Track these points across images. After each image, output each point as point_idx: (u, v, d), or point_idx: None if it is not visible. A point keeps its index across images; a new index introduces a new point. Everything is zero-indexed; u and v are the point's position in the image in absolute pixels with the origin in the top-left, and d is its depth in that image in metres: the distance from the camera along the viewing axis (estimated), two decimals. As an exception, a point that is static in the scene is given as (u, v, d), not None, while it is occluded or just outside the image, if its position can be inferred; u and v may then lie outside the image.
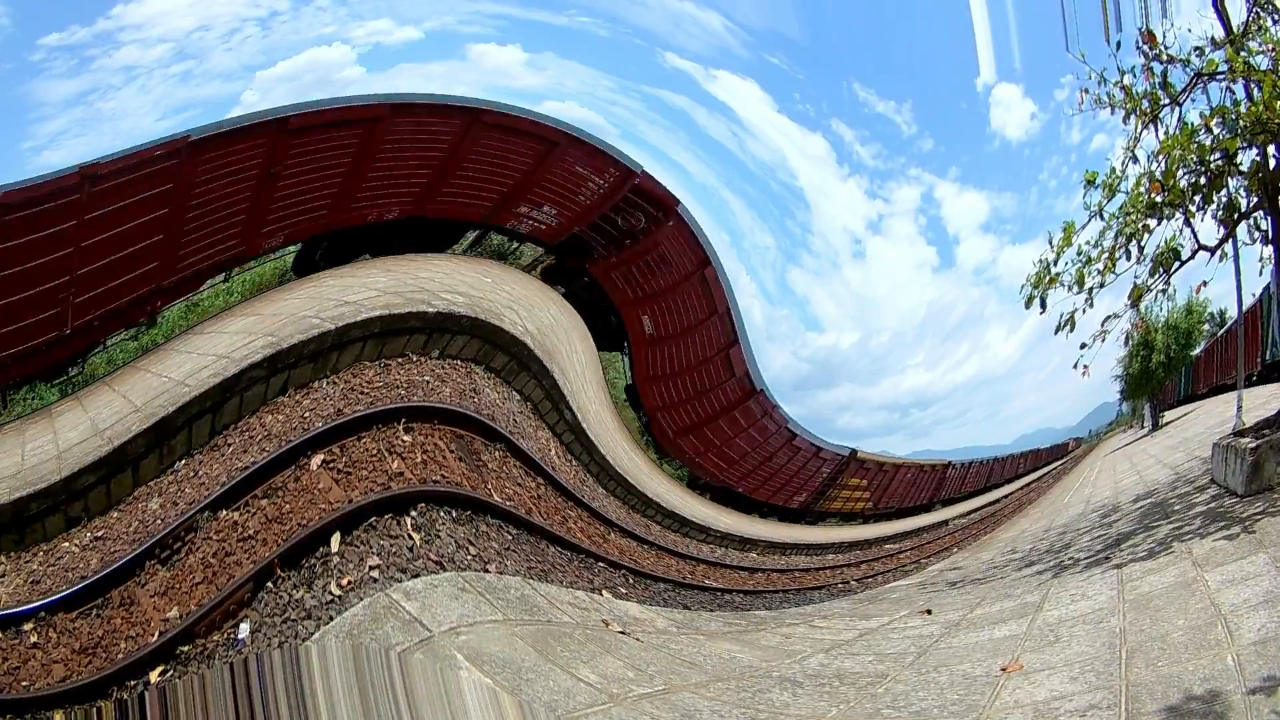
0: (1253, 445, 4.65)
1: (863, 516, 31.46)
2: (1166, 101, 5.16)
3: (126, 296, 11.40)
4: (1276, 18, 4.77)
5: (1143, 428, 22.90)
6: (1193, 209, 5.12)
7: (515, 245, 18.21)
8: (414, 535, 6.52)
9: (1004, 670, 2.98)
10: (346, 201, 13.42)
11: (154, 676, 5.26)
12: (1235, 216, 5.15)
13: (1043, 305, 5.32)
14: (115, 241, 10.43)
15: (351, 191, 13.29)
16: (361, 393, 9.31)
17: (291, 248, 14.07)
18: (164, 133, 11.82)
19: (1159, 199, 4.97)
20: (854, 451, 28.89)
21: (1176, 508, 5.72)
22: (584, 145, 14.99)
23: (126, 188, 10.04)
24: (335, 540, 6.18)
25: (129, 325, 12.15)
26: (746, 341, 21.41)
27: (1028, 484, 34.35)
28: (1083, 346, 5.38)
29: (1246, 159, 4.92)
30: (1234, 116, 4.69)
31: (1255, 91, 4.64)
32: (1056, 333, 5.33)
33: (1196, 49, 5.06)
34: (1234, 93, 4.92)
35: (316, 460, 7.47)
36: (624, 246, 18.18)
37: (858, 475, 30.18)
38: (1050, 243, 5.30)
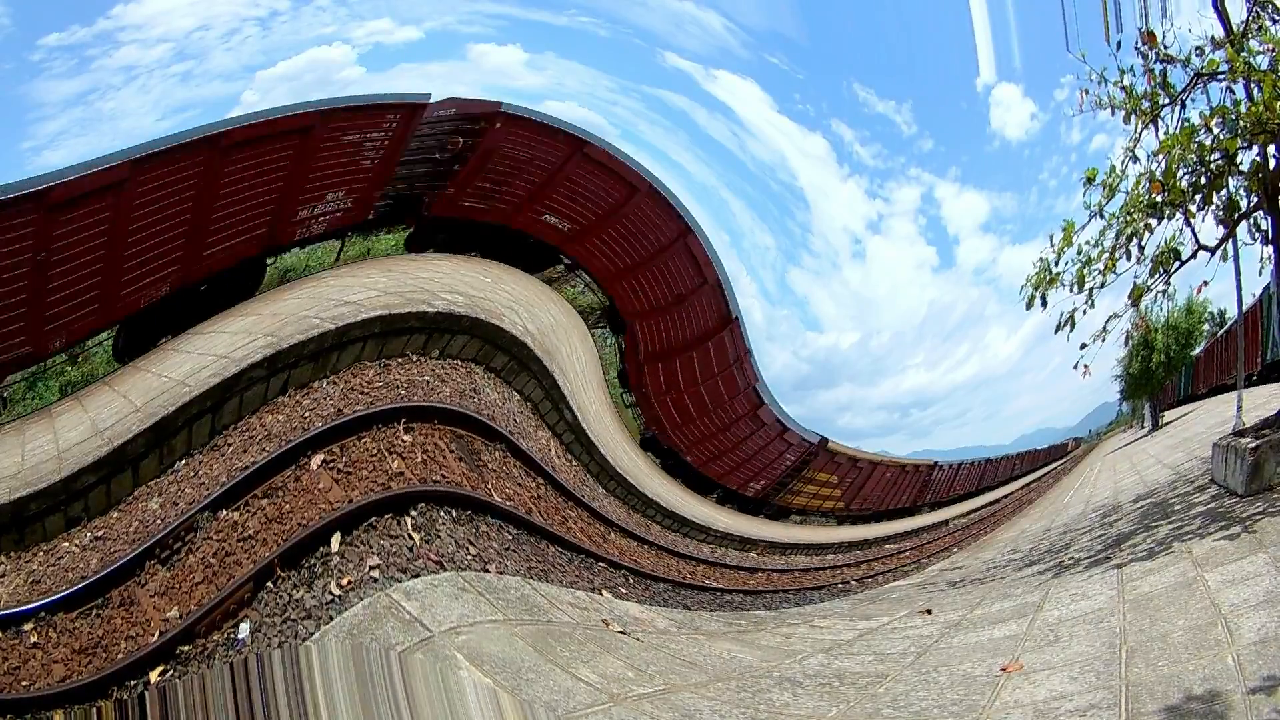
0: (1253, 445, 4.66)
1: (836, 517, 29.02)
2: (1167, 101, 5.16)
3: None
4: (1276, 18, 4.77)
5: (1143, 428, 22.91)
6: (1193, 209, 5.13)
7: (324, 245, 15.80)
8: (414, 535, 6.52)
9: (1004, 670, 2.98)
10: (113, 288, 11.15)
11: (154, 676, 5.26)
12: (1235, 216, 5.16)
13: (1043, 305, 5.33)
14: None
15: (115, 275, 11.05)
16: (361, 392, 9.31)
17: (87, 343, 11.81)
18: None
19: (1159, 199, 4.98)
20: (824, 440, 26.06)
21: (1176, 508, 5.72)
22: (340, 112, 12.87)
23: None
24: (335, 540, 6.18)
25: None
26: (702, 232, 19.35)
27: (1024, 486, 33.39)
28: (1083, 347, 5.39)
29: (1246, 159, 4.93)
30: (1234, 116, 4.70)
31: (1255, 91, 4.64)
32: (1057, 332, 5.34)
33: (1196, 49, 5.06)
34: (1234, 93, 4.92)
35: (316, 460, 7.47)
36: (455, 173, 16.08)
37: (827, 469, 27.26)
38: (1051, 242, 5.31)
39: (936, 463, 36.58)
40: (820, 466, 26.88)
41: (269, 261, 13.88)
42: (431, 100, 14.13)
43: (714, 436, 22.53)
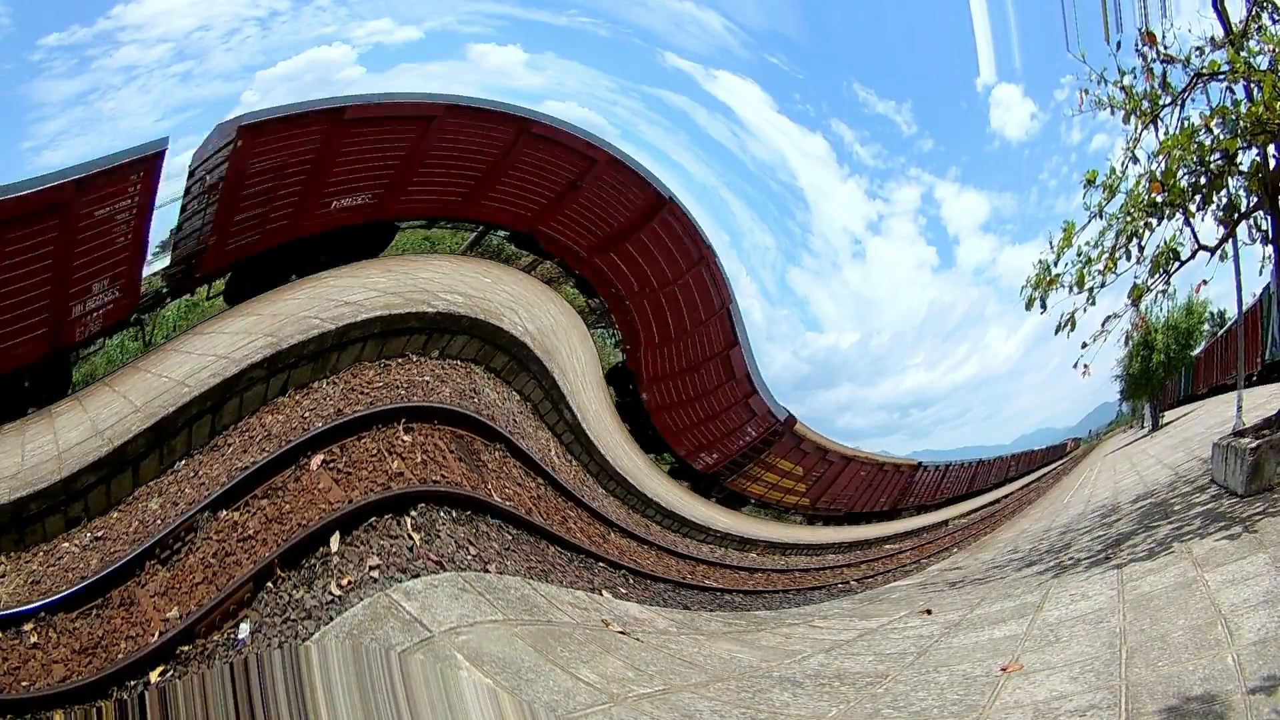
0: (1253, 445, 4.66)
1: (801, 514, 26.34)
2: (1167, 101, 5.16)
3: None
4: (1276, 18, 4.77)
5: (1143, 428, 22.92)
6: (1193, 209, 5.13)
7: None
8: (414, 535, 6.52)
9: (1004, 670, 2.98)
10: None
11: (154, 676, 5.26)
12: (1235, 216, 5.17)
13: (1043, 306, 5.33)
14: None
15: None
16: (361, 393, 9.31)
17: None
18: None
19: (1159, 199, 4.98)
20: (791, 419, 23.23)
21: (1176, 508, 5.72)
22: (91, 181, 10.60)
23: None
24: (335, 540, 6.17)
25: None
26: (551, 117, 17.13)
27: (1022, 487, 32.41)
28: (1083, 346, 5.39)
29: (1246, 159, 4.93)
30: (1234, 117, 4.70)
31: (1255, 91, 4.65)
32: (1057, 333, 5.34)
33: (1196, 49, 5.07)
34: (1234, 93, 4.93)
35: (316, 460, 7.47)
36: (213, 216, 13.58)
37: (790, 456, 24.38)
38: (1050, 243, 5.32)
39: (921, 463, 34.31)
40: (783, 452, 24.13)
41: (71, 359, 12.20)
42: (167, 147, 11.84)
43: (678, 376, 20.52)
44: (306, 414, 8.65)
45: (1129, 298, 5.35)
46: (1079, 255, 5.29)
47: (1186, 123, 5.03)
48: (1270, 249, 5.16)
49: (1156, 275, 5.28)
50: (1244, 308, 7.39)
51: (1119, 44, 5.36)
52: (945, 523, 26.98)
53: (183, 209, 13.56)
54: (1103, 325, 5.40)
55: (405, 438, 8.32)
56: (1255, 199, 5.03)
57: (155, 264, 14.02)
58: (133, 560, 6.45)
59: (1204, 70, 5.01)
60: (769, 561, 17.03)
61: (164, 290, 14.16)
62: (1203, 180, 4.98)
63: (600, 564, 8.93)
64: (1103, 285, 5.27)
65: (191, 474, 7.98)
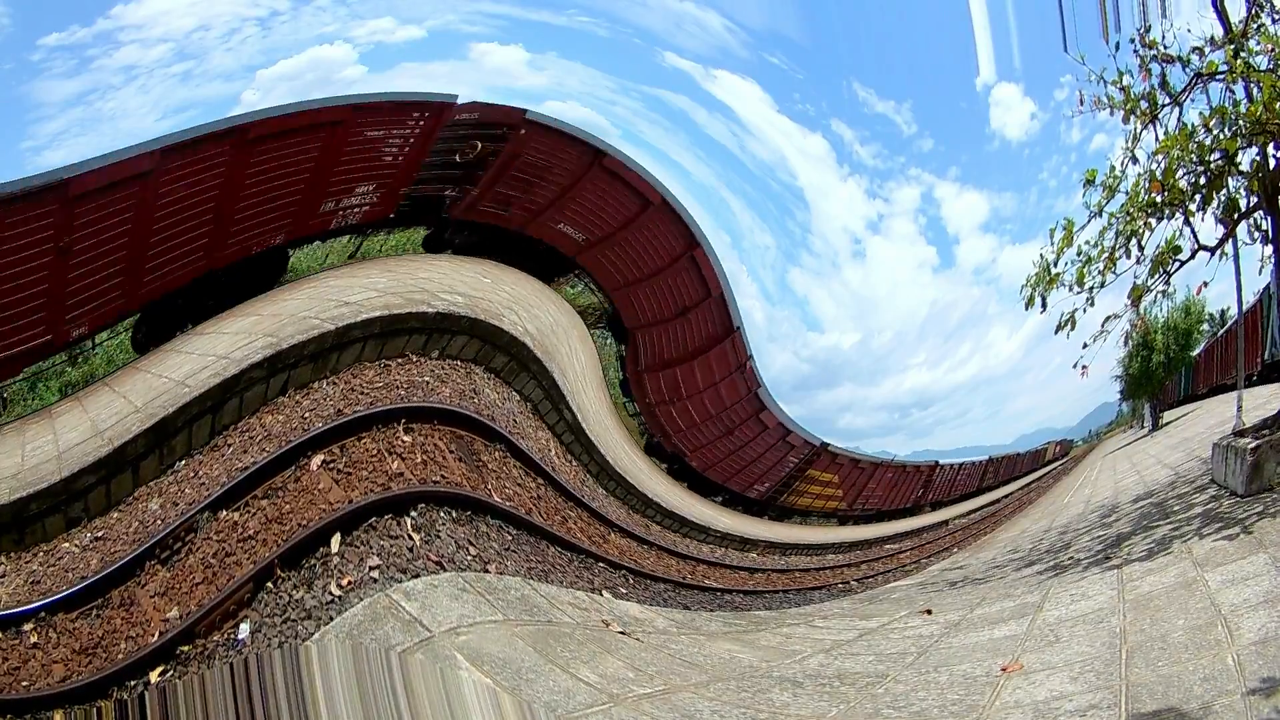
0: (1253, 445, 4.66)
1: (839, 517, 29.21)
2: (1166, 101, 5.16)
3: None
4: (1276, 18, 4.77)
5: (1143, 428, 22.93)
6: (1193, 209, 5.13)
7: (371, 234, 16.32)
8: (414, 535, 6.52)
9: (1004, 670, 2.98)
10: (139, 274, 11.26)
11: (154, 676, 5.26)
12: (1235, 216, 5.16)
13: (1043, 305, 5.34)
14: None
15: (140, 261, 11.19)
16: (361, 393, 9.31)
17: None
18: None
19: (1159, 199, 4.98)
20: (825, 445, 26.45)
21: (1176, 508, 5.72)
22: (370, 108, 12.88)
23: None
24: (335, 540, 6.17)
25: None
26: (709, 245, 19.27)
27: (1022, 487, 32.08)
28: (1084, 346, 5.39)
29: (1246, 159, 4.93)
30: (1234, 117, 4.70)
31: (1255, 91, 4.65)
32: (1057, 332, 5.34)
33: (1196, 49, 5.07)
34: (1234, 93, 4.93)
35: (316, 460, 7.47)
36: (478, 178, 16.09)
37: (830, 469, 28.03)
38: (1051, 239, 5.31)
39: (938, 463, 36.30)
40: (823, 466, 27.29)
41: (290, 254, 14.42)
42: (458, 99, 14.18)
43: (717, 442, 22.86)
44: (306, 414, 8.64)
45: (1129, 298, 5.34)
46: (1079, 254, 5.29)
47: (1183, 124, 5.03)
48: (1270, 249, 5.16)
49: (1156, 275, 5.27)
50: (1244, 308, 7.39)
51: (1118, 45, 5.36)
52: (945, 523, 27.05)
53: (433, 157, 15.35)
54: (1103, 325, 5.40)
55: (405, 438, 8.32)
56: (1255, 199, 5.03)
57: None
58: (133, 560, 6.45)
59: (1203, 70, 5.01)
60: (769, 561, 17.03)
61: (391, 215, 15.81)
62: (1202, 180, 4.98)
63: (600, 564, 8.93)
64: (1102, 285, 5.27)
65: (191, 474, 7.98)
